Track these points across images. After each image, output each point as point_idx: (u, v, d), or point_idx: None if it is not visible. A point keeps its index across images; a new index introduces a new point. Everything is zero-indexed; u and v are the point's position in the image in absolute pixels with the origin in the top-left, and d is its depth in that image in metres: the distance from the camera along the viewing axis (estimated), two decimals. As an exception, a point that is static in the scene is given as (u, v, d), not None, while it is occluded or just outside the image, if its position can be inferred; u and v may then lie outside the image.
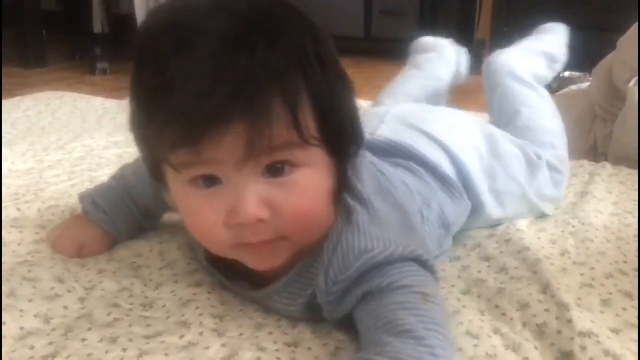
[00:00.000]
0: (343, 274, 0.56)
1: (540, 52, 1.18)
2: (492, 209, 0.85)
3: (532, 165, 0.91)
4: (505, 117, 1.04)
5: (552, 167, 0.93)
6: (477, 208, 0.83)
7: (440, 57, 1.26)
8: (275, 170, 0.54)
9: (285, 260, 0.59)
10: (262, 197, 0.53)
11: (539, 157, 0.92)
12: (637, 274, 0.73)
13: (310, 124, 0.53)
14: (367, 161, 0.66)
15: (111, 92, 1.91)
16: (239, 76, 0.49)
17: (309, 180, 0.55)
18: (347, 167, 0.60)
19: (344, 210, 0.59)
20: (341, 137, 0.57)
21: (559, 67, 1.20)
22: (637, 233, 0.85)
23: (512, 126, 1.00)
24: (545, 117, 1.03)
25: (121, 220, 0.78)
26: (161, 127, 0.51)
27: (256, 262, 0.59)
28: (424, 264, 0.57)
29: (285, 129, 0.51)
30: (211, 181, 0.54)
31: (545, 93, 1.08)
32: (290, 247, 0.58)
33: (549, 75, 1.18)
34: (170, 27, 0.52)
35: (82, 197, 0.79)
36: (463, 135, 0.89)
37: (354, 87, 0.59)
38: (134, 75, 0.56)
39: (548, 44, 1.21)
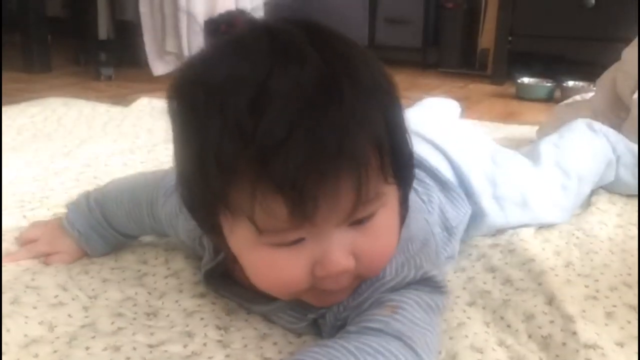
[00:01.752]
0: (355, 300, 0.55)
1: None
2: (495, 215, 0.85)
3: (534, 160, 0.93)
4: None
5: (562, 169, 0.94)
6: (478, 214, 0.83)
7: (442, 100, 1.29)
8: (357, 217, 0.51)
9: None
10: (348, 246, 0.51)
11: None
12: (641, 286, 0.73)
13: (389, 164, 0.50)
14: None
15: (116, 98, 1.92)
16: (336, 132, 0.45)
17: (388, 221, 0.53)
18: (408, 194, 0.58)
19: None
20: (407, 168, 0.55)
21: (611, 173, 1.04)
22: (641, 245, 0.85)
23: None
24: (583, 148, 1.00)
25: (95, 239, 0.78)
26: (264, 197, 0.46)
27: (324, 302, 0.57)
28: (434, 284, 0.56)
29: (376, 177, 0.49)
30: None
31: (600, 144, 1.01)
32: (359, 283, 0.56)
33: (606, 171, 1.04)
34: (239, 82, 0.47)
35: (67, 207, 0.80)
36: (463, 141, 0.90)
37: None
38: (193, 131, 0.49)
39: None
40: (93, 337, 0.60)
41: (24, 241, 0.79)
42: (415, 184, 0.74)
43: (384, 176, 0.50)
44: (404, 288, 0.55)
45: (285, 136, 0.44)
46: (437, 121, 1.01)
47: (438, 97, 1.34)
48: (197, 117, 0.49)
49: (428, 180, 0.77)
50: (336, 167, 0.46)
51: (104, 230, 0.77)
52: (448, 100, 1.33)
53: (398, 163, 0.52)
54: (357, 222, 0.50)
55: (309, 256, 0.50)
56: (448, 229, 0.76)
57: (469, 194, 0.82)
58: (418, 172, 0.77)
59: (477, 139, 0.93)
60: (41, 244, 0.78)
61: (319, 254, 0.50)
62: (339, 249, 0.50)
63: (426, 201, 0.74)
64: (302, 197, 0.45)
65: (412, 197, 0.68)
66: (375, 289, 0.55)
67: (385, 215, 0.53)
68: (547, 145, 0.98)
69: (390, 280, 0.55)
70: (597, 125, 1.05)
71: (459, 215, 0.79)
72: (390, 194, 0.53)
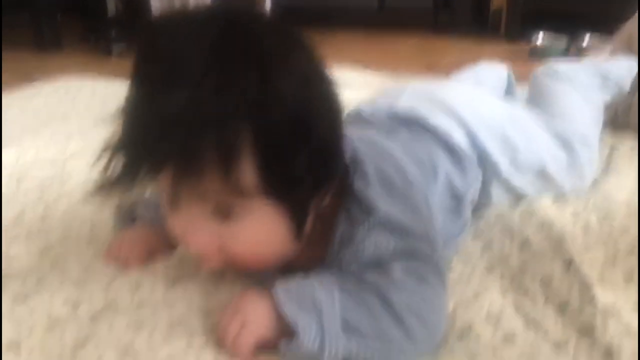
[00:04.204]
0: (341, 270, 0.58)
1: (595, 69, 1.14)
2: (512, 179, 0.85)
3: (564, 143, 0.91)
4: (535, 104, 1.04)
5: (563, 140, 0.92)
6: (494, 177, 0.83)
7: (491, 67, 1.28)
8: (224, 210, 0.54)
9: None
10: (209, 235, 0.55)
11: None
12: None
13: (249, 175, 0.52)
14: (374, 148, 0.67)
15: (129, 74, 1.92)
16: (172, 117, 0.49)
17: (255, 229, 0.55)
18: (312, 202, 0.59)
19: (346, 221, 0.60)
20: (295, 182, 0.54)
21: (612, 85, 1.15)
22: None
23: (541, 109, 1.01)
24: (574, 104, 1.01)
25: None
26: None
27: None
28: (421, 256, 0.58)
29: (217, 179, 0.51)
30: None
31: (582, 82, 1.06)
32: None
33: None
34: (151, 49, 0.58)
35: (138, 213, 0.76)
36: (481, 107, 0.89)
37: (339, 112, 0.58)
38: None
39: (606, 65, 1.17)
40: (115, 314, 0.61)
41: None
42: (423, 150, 0.74)
43: (234, 186, 0.51)
44: (391, 260, 0.57)
45: (136, 109, 0.54)
46: (457, 87, 1.00)
47: (487, 62, 1.31)
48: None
49: (437, 149, 0.77)
50: (159, 149, 0.50)
51: None
52: (497, 65, 1.30)
53: (275, 178, 0.53)
54: (223, 214, 0.54)
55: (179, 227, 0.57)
56: (457, 197, 0.76)
57: (484, 158, 0.81)
58: (427, 140, 0.77)
59: (498, 103, 0.93)
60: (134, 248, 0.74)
61: (183, 231, 0.57)
62: (194, 233, 0.55)
63: (428, 171, 0.73)
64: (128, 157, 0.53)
65: (405, 166, 0.68)
66: (357, 266, 0.58)
67: (254, 225, 0.55)
68: (545, 116, 0.97)
69: (371, 255, 0.57)
70: (568, 72, 1.07)
71: (468, 180, 0.78)
72: (260, 206, 0.54)
